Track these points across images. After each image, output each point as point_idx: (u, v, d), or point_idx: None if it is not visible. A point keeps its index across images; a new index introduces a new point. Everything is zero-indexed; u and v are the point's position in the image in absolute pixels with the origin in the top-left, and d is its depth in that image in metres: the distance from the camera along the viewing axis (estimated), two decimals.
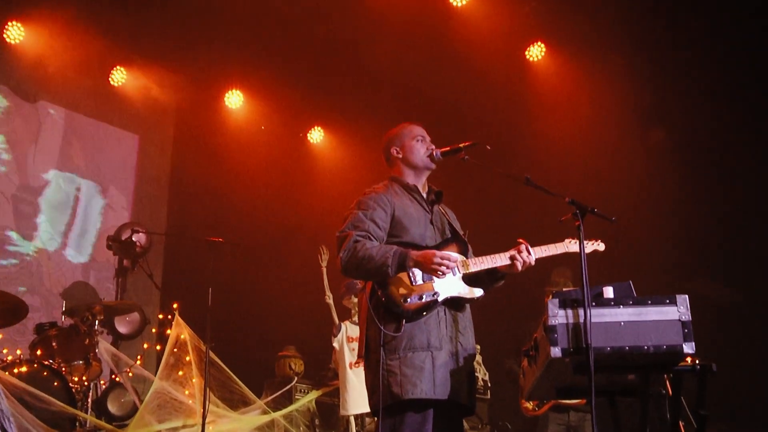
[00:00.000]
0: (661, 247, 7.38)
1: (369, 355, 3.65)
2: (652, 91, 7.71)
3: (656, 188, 7.57)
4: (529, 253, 3.73)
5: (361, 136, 9.02)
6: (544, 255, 3.84)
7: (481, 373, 7.73)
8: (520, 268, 3.73)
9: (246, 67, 8.93)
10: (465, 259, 3.76)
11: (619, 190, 7.47)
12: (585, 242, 3.50)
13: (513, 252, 3.74)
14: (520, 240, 3.79)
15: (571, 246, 3.88)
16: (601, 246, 4.03)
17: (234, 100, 9.33)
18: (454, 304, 3.73)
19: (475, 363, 7.06)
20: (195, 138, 9.30)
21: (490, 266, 3.75)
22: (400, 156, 3.94)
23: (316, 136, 9.91)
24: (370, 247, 3.56)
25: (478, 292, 3.77)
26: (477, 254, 3.84)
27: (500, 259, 3.75)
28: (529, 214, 7.59)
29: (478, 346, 7.17)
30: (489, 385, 7.68)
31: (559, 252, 3.88)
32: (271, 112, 9.47)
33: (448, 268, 3.55)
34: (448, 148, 3.91)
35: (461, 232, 3.92)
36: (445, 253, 3.60)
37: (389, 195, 3.79)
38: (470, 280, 3.76)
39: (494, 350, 7.15)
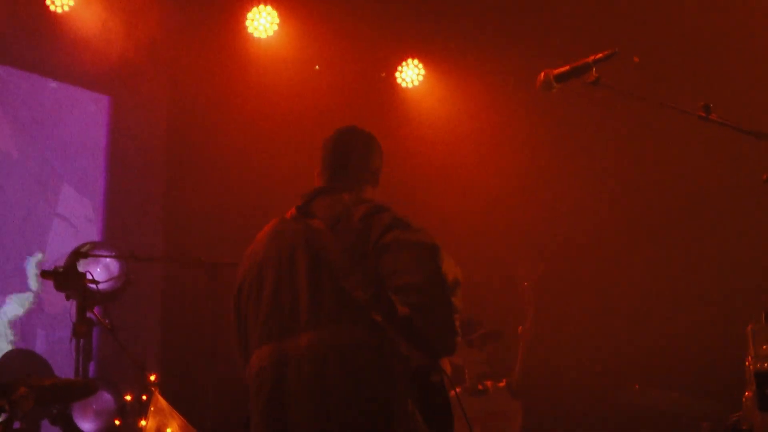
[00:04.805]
0: None
1: None
2: None
3: None
4: None
5: (495, 72, 9.25)
6: None
7: None
8: None
9: None
10: None
11: None
12: None
13: None
14: None
15: None
16: None
17: (262, 23, 9.35)
18: None
19: None
20: (203, 94, 9.31)
21: None
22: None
23: (411, 75, 10.10)
24: None
25: None
26: None
27: None
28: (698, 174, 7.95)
29: None
30: None
31: None
32: (330, 42, 9.60)
33: None
34: (566, 68, 4.20)
35: None
36: None
37: None
38: None
39: None
